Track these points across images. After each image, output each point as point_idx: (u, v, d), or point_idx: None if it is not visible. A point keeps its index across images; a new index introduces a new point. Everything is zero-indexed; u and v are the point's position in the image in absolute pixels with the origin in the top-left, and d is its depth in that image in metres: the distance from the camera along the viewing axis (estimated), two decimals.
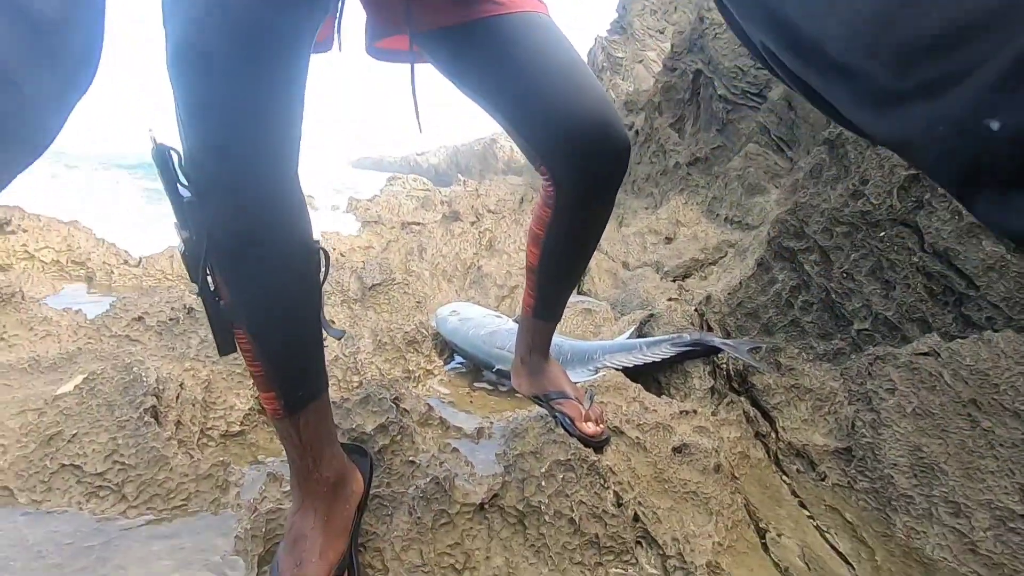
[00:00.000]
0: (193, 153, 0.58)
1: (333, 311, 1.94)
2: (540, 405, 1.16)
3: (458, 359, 1.71)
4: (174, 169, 0.59)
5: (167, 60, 0.56)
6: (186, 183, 0.59)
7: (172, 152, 0.58)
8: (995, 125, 0.22)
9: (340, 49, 0.85)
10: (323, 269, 0.72)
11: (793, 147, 2.52)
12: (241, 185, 0.60)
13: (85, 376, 1.07)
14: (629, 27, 7.98)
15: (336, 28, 0.82)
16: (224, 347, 0.68)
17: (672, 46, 3.60)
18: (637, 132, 3.83)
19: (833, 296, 1.34)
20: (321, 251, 0.72)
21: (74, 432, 0.97)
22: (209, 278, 0.64)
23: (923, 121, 0.25)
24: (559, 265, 1.06)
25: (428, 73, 1.05)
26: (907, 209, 1.21)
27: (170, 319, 1.43)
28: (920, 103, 0.25)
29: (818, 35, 0.31)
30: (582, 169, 0.90)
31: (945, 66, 0.23)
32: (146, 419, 0.99)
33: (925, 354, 1.08)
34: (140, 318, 1.44)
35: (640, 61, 7.55)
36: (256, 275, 0.65)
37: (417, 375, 1.53)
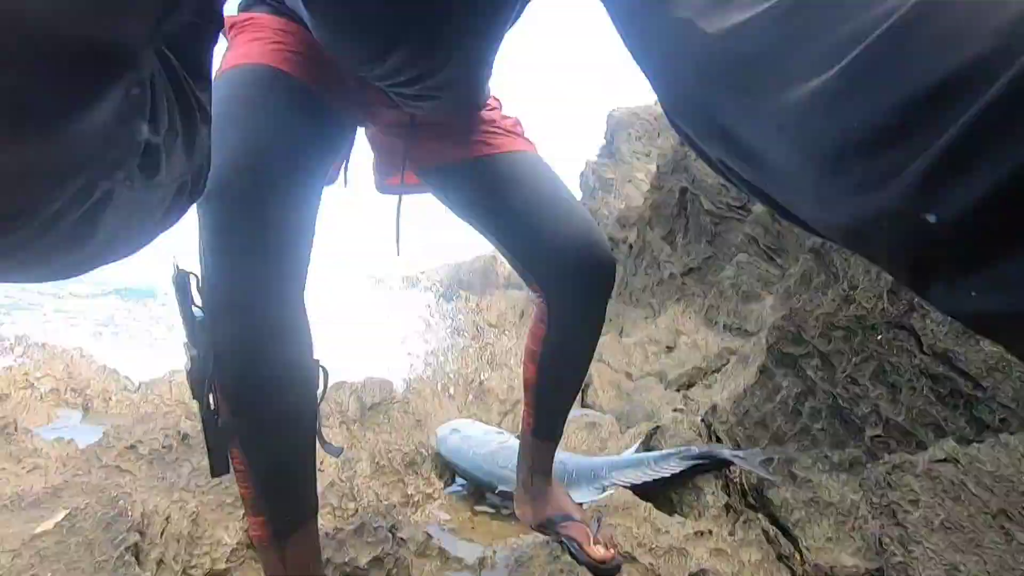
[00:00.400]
0: (210, 276, 0.64)
1: (331, 433, 1.89)
2: (545, 534, 1.10)
3: (459, 481, 1.64)
4: (191, 292, 0.64)
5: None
6: (200, 305, 0.64)
7: (191, 276, 0.64)
8: (932, 218, 0.22)
9: (345, 185, 0.94)
10: (322, 387, 0.74)
11: (782, 255, 2.61)
12: (251, 306, 0.64)
13: (67, 512, 1.02)
14: (617, 152, 8.59)
15: (344, 167, 0.91)
16: (217, 467, 0.68)
17: (658, 167, 3.86)
18: (631, 246, 3.97)
19: (840, 402, 1.31)
20: (321, 369, 0.74)
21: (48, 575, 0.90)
22: (211, 396, 0.67)
23: (865, 214, 0.26)
24: (556, 380, 1.07)
25: (430, 198, 1.14)
26: (900, 312, 1.22)
27: (163, 447, 1.39)
28: (859, 198, 0.26)
29: (761, 145, 0.33)
30: (570, 286, 0.95)
31: (877, 165, 0.25)
32: (126, 558, 0.93)
33: (943, 460, 1.03)
34: (133, 446, 1.40)
35: (629, 181, 8.03)
36: (256, 393, 0.67)
37: (416, 499, 1.46)
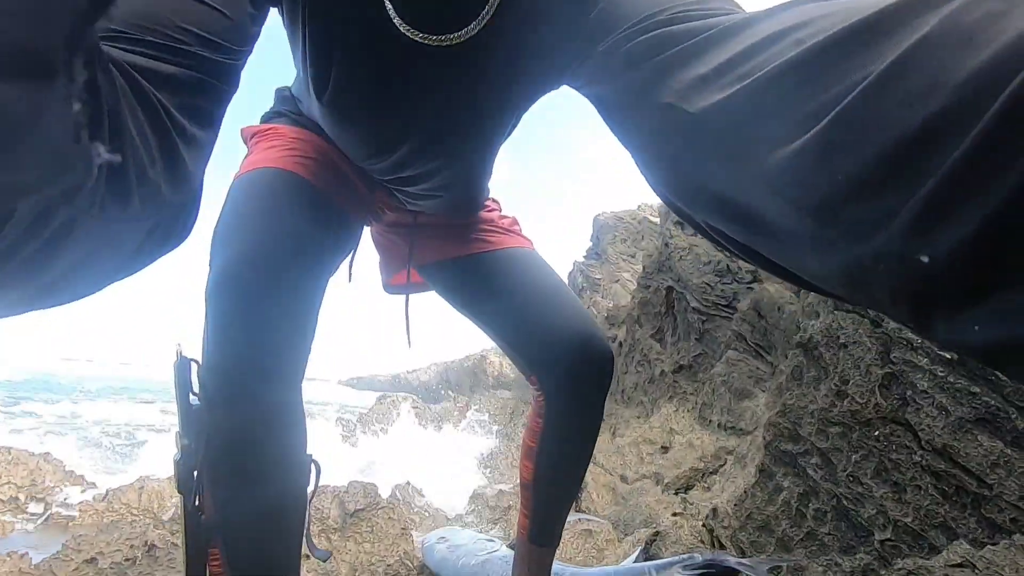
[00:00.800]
0: (213, 365, 0.64)
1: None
2: None
3: None
4: (190, 379, 0.64)
5: (208, 287, 0.65)
6: (197, 392, 0.64)
7: (193, 363, 0.65)
8: (925, 259, 0.24)
9: (350, 280, 0.97)
10: (313, 483, 0.73)
11: (770, 352, 2.62)
12: (250, 396, 0.64)
13: None
14: (603, 253, 8.88)
15: (349, 264, 0.94)
16: (193, 571, 0.64)
17: (644, 267, 3.98)
18: (620, 344, 3.99)
19: (845, 503, 1.26)
20: (313, 464, 0.73)
21: None
22: (196, 494, 0.65)
23: (862, 260, 0.27)
24: (554, 478, 1.03)
25: (423, 297, 1.17)
26: (894, 407, 1.22)
27: (126, 559, 1.29)
28: (854, 245, 0.27)
29: (753, 205, 0.35)
30: (568, 379, 0.95)
31: (868, 212, 0.26)
32: None
33: (960, 565, 0.98)
34: (93, 559, 1.29)
35: (616, 281, 8.22)
36: (247, 484, 0.65)
37: None
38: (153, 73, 0.36)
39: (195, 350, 0.65)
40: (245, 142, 0.93)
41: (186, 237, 0.41)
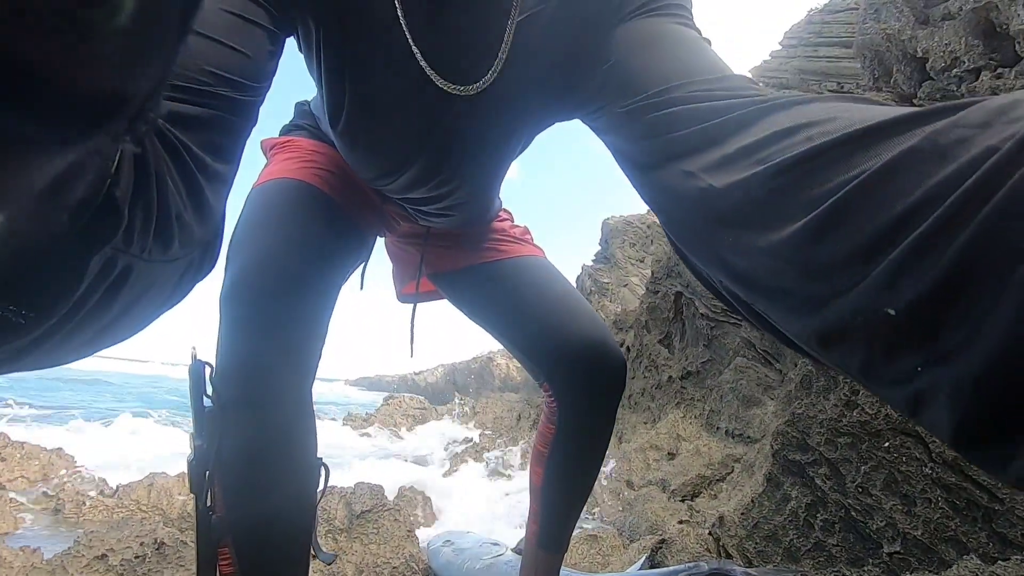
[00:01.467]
0: (226, 368, 0.65)
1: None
2: None
3: None
4: (204, 382, 0.65)
5: (222, 292, 0.67)
6: (210, 395, 0.65)
7: (207, 366, 0.65)
8: (892, 311, 0.30)
9: (362, 288, 0.99)
10: (322, 485, 0.74)
11: (779, 360, 2.61)
12: (262, 399, 0.66)
13: None
14: (612, 257, 8.86)
15: (361, 273, 0.96)
16: (204, 570, 0.65)
17: (652, 272, 3.96)
18: (628, 348, 3.98)
19: (853, 514, 1.25)
20: (323, 467, 0.74)
21: None
22: (208, 492, 0.66)
23: (843, 312, 0.34)
24: (564, 484, 1.03)
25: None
26: (904, 418, 1.21)
27: (136, 556, 1.30)
28: (839, 299, 0.34)
29: (755, 269, 0.41)
30: (581, 386, 0.95)
31: (851, 275, 0.33)
32: None
33: None
34: (103, 556, 1.31)
35: (625, 285, 8.20)
36: (258, 487, 0.66)
37: None
38: (177, 115, 0.38)
39: (210, 354, 0.66)
40: (264, 153, 0.95)
41: (215, 266, 0.43)
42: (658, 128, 0.52)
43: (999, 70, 1.40)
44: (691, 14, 0.62)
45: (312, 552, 0.78)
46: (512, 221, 1.11)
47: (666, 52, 0.57)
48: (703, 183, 0.45)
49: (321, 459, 0.73)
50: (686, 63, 0.55)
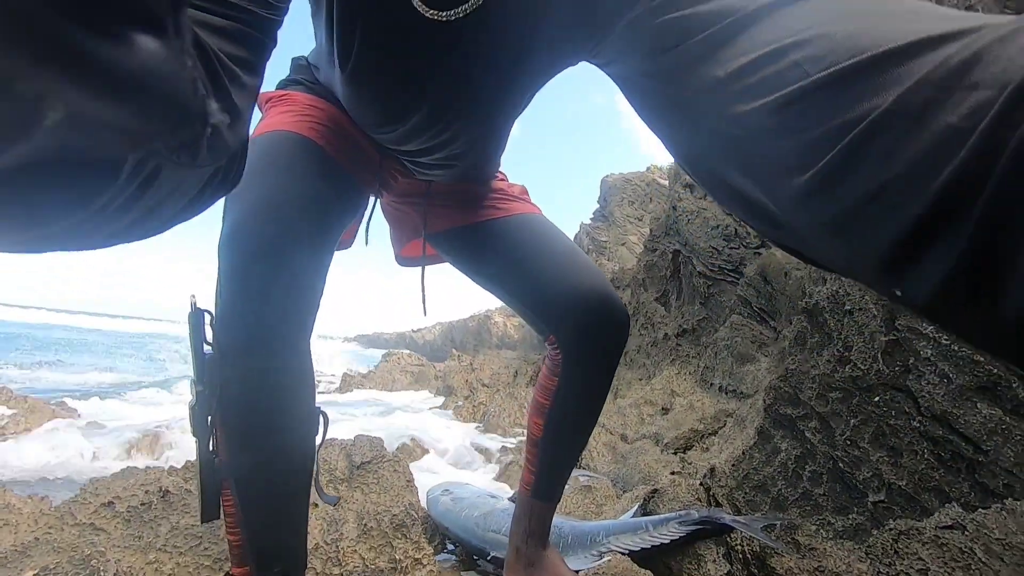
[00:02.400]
0: (225, 316, 0.66)
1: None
2: None
3: (450, 547, 1.57)
4: (204, 329, 0.66)
5: (221, 239, 0.67)
6: (210, 342, 0.66)
7: (206, 314, 0.66)
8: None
9: (367, 244, 1.03)
10: (321, 434, 0.75)
11: (775, 317, 2.63)
12: (261, 347, 0.66)
13: (35, 573, 0.96)
14: (611, 216, 8.81)
15: (366, 227, 0.96)
16: (208, 511, 0.67)
17: (651, 230, 3.94)
18: (625, 306, 4.00)
19: (841, 465, 1.29)
20: (321, 415, 0.75)
21: None
22: (211, 436, 0.67)
23: (866, 271, 0.34)
24: (563, 436, 1.06)
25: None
26: (895, 374, 1.22)
27: (142, 503, 1.34)
28: (843, 239, 0.34)
29: (767, 203, 0.40)
30: (589, 336, 0.97)
31: (864, 223, 0.32)
32: None
33: (950, 527, 1.01)
34: (110, 503, 1.34)
35: (623, 244, 8.18)
36: (259, 431, 0.68)
37: (404, 565, 1.39)
38: (206, 24, 0.38)
39: (209, 302, 0.67)
40: (260, 107, 0.93)
41: (238, 182, 0.43)
42: (663, 41, 0.51)
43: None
44: None
45: (315, 499, 0.80)
46: (508, 181, 1.10)
47: None
48: (709, 115, 0.44)
49: (320, 407, 0.74)
50: None
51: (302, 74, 0.94)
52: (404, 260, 1.17)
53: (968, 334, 0.30)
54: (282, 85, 0.95)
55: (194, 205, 0.39)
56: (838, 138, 0.33)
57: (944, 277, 0.28)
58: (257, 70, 0.43)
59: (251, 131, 0.86)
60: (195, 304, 0.66)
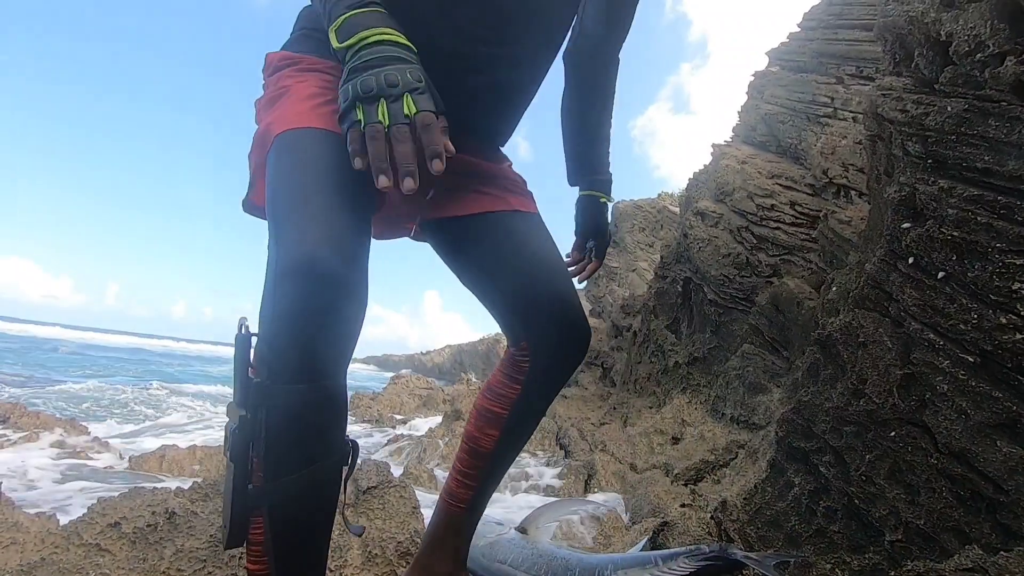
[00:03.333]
0: (277, 342, 0.65)
1: None
2: None
3: None
4: (250, 354, 0.66)
5: (274, 270, 0.67)
6: (255, 366, 0.66)
7: (254, 338, 0.67)
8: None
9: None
10: (351, 462, 0.74)
11: (787, 347, 2.60)
12: (311, 376, 0.66)
13: None
14: (621, 241, 8.82)
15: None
16: (233, 538, 0.66)
17: (661, 257, 3.94)
18: (635, 333, 3.98)
19: (856, 502, 1.26)
20: (351, 444, 0.74)
21: None
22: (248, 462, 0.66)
23: None
24: (514, 448, 1.05)
25: (443, 280, 1.15)
26: (911, 408, 1.20)
27: (148, 525, 1.33)
28: None
29: None
30: (561, 347, 0.97)
31: None
32: None
33: (971, 570, 0.98)
34: (116, 523, 1.34)
35: (633, 270, 8.17)
36: (298, 460, 0.67)
37: None
38: None
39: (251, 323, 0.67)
40: (269, 69, 0.92)
41: None
42: None
43: None
44: None
45: (341, 525, 0.80)
46: (511, 165, 1.11)
47: None
48: None
49: (350, 438, 0.74)
50: None
51: (311, 22, 0.91)
52: (384, 234, 1.11)
53: None
54: (295, 43, 0.92)
55: None
56: None
57: None
58: None
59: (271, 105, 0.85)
60: (246, 328, 0.66)
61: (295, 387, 0.65)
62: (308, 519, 0.70)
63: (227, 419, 0.68)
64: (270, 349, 0.65)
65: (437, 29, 0.86)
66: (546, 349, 0.97)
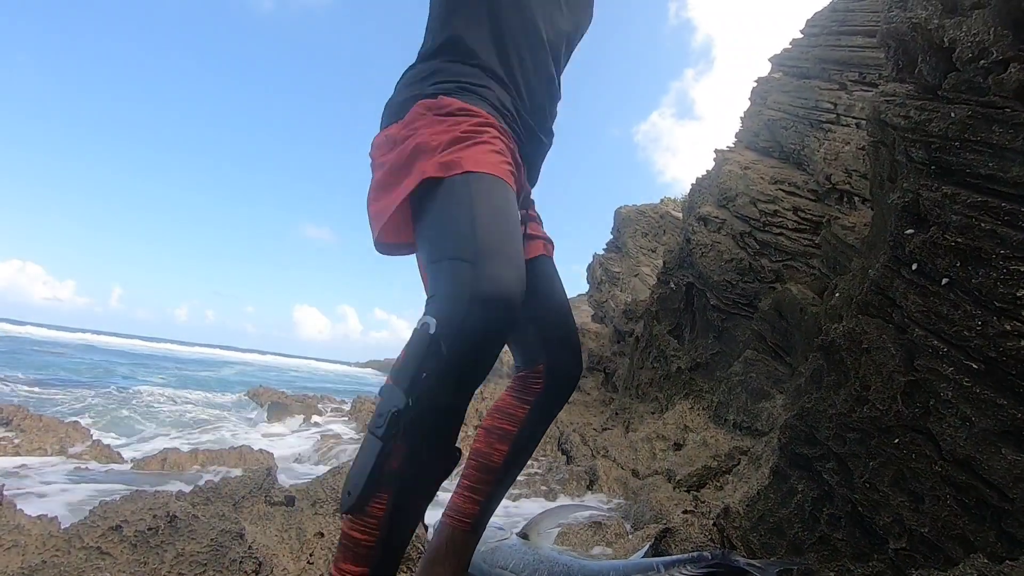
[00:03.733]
0: (452, 350, 0.75)
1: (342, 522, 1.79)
2: None
3: None
4: (425, 349, 0.76)
5: (471, 288, 0.77)
6: (424, 364, 0.76)
7: (434, 339, 0.76)
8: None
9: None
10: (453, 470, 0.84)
11: (790, 353, 2.59)
12: (465, 388, 0.78)
13: None
14: (624, 246, 8.82)
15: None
16: (358, 505, 0.75)
17: (664, 262, 3.94)
18: (638, 338, 3.97)
19: (860, 509, 1.25)
20: (458, 450, 0.84)
21: None
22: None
23: None
24: (521, 463, 1.14)
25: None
26: (915, 415, 1.19)
27: (149, 528, 1.33)
28: None
29: None
30: (571, 373, 1.15)
31: None
32: None
33: None
34: (118, 527, 1.34)
35: (635, 275, 8.16)
36: (432, 457, 0.78)
37: None
38: None
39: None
40: (424, 112, 0.97)
41: None
42: None
43: None
44: None
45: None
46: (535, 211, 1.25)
47: None
48: None
49: (458, 446, 0.84)
50: None
51: (448, 76, 1.01)
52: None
53: None
54: (447, 90, 0.99)
55: None
56: None
57: None
58: None
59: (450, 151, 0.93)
60: (431, 330, 0.75)
61: (455, 392, 0.76)
62: (420, 506, 0.81)
63: (380, 399, 0.78)
64: (449, 355, 0.74)
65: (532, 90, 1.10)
66: (558, 370, 1.14)
